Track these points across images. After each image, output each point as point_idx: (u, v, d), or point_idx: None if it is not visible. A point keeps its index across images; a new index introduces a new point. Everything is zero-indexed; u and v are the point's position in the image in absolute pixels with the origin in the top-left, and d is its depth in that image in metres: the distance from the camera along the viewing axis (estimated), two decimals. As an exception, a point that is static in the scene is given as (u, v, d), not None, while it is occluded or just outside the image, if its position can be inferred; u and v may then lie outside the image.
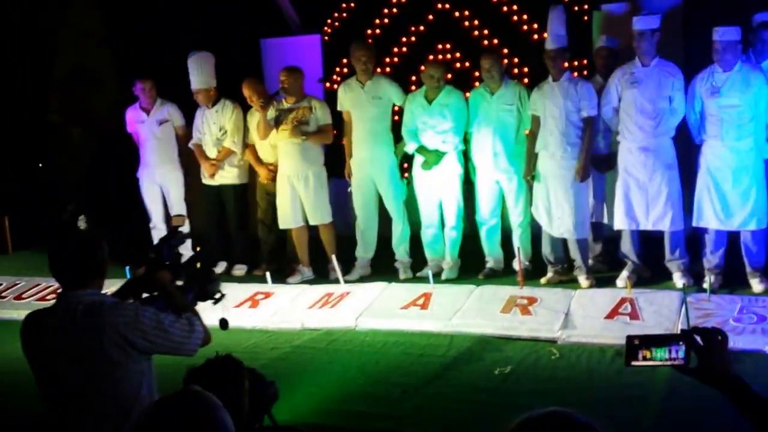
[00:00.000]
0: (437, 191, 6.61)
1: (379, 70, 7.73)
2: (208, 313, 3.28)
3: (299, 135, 6.70)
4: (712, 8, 6.12)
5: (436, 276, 6.41)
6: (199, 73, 7.21)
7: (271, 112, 6.81)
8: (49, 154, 9.66)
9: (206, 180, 7.42)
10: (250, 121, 7.22)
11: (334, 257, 6.57)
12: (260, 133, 6.88)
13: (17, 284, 7.25)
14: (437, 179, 6.55)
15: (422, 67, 6.56)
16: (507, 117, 6.31)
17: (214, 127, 7.30)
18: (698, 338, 2.01)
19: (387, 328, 5.62)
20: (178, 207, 7.52)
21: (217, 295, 3.24)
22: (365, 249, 6.95)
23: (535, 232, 6.42)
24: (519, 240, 6.42)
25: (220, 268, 7.32)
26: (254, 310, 6.25)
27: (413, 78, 7.32)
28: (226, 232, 7.51)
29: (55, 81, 9.54)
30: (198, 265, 3.29)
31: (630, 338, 2.07)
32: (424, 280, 6.25)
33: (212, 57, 7.26)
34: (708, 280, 5.41)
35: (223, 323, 3.35)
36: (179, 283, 3.23)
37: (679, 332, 2.07)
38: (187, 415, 1.83)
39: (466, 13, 7.78)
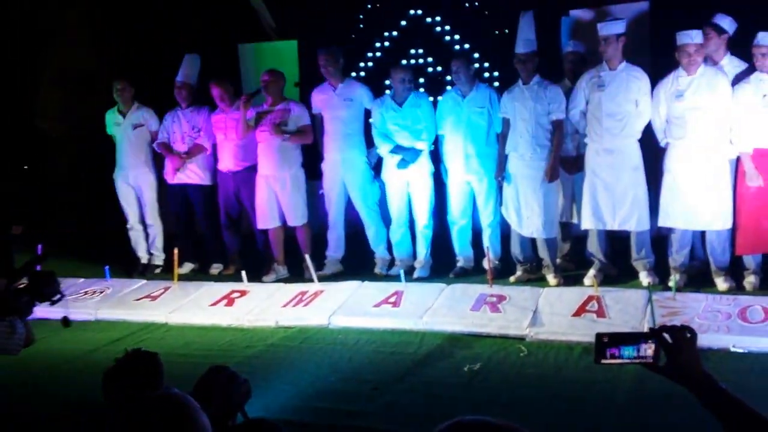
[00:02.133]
0: (407, 192, 6.56)
1: (354, 74, 7.69)
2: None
3: (279, 135, 6.59)
4: (679, 13, 6.05)
5: (408, 275, 6.31)
6: (190, 69, 7.22)
7: (250, 112, 6.74)
8: (34, 156, 9.46)
9: (171, 179, 7.30)
10: (213, 124, 7.14)
11: (308, 256, 6.46)
12: (239, 131, 6.78)
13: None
14: (409, 180, 6.49)
15: (391, 71, 6.51)
16: (478, 119, 6.24)
17: (187, 125, 7.22)
18: (667, 336, 1.93)
19: (359, 326, 5.54)
20: (151, 209, 7.44)
21: (56, 297, 3.20)
22: (335, 248, 6.90)
23: (505, 231, 6.35)
24: (489, 239, 6.35)
25: (215, 269, 7.24)
26: (230, 309, 6.13)
27: (387, 82, 7.21)
28: (196, 233, 7.44)
29: (42, 83, 9.33)
30: (37, 267, 3.28)
31: (599, 336, 1.99)
32: (396, 278, 6.14)
33: (199, 60, 7.24)
34: (673, 279, 5.34)
35: (65, 321, 3.41)
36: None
37: (647, 330, 1.98)
38: (164, 416, 1.76)
39: (438, 18, 7.66)
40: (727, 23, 5.65)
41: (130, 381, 2.64)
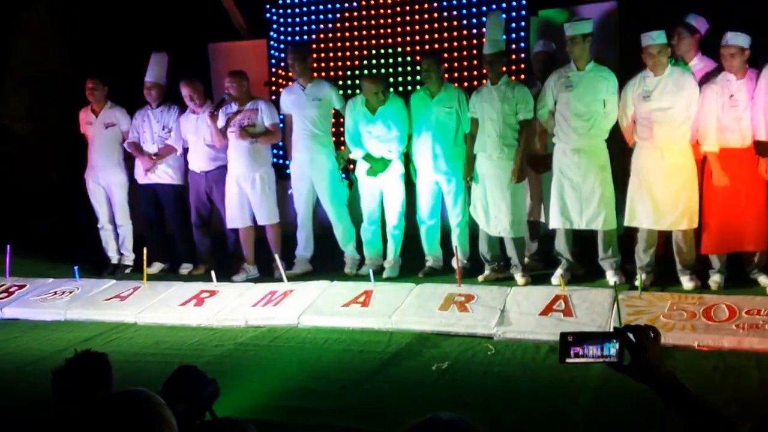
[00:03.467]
0: (380, 192, 6.50)
1: (324, 74, 7.63)
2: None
3: (247, 137, 6.51)
4: (647, 13, 6.06)
5: (378, 274, 6.26)
6: (158, 69, 7.11)
7: (221, 121, 6.69)
8: (2, 155, 9.25)
9: (142, 179, 7.19)
10: (182, 124, 7.06)
11: (277, 256, 6.40)
12: (216, 142, 6.76)
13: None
14: (381, 181, 6.45)
15: (362, 81, 6.47)
16: (446, 119, 6.19)
17: (157, 126, 7.13)
18: (631, 336, 1.92)
19: (328, 326, 5.48)
20: (122, 209, 7.35)
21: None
22: (304, 248, 6.83)
23: (474, 231, 6.30)
24: (457, 239, 6.30)
25: (185, 269, 7.17)
26: (200, 308, 6.05)
27: (356, 82, 7.16)
28: (166, 233, 7.34)
29: (7, 82, 9.13)
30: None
31: (564, 335, 1.97)
32: (366, 278, 6.07)
33: (167, 58, 7.13)
34: (639, 278, 5.33)
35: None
36: None
37: (612, 330, 1.96)
38: (129, 413, 1.75)
39: (408, 18, 7.60)
40: (699, 23, 5.65)
41: (79, 381, 2.60)
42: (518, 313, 5.19)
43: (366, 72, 7.36)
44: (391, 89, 6.85)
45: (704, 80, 5.49)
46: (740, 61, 5.24)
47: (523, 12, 7.11)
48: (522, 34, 7.10)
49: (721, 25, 5.51)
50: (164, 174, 7.16)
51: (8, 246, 6.94)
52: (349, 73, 7.82)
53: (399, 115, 6.33)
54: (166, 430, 1.75)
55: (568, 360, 1.94)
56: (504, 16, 6.74)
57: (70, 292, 6.60)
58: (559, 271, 5.85)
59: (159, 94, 7.12)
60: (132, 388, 1.85)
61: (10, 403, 4.27)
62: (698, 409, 1.82)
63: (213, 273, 6.41)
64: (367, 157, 6.40)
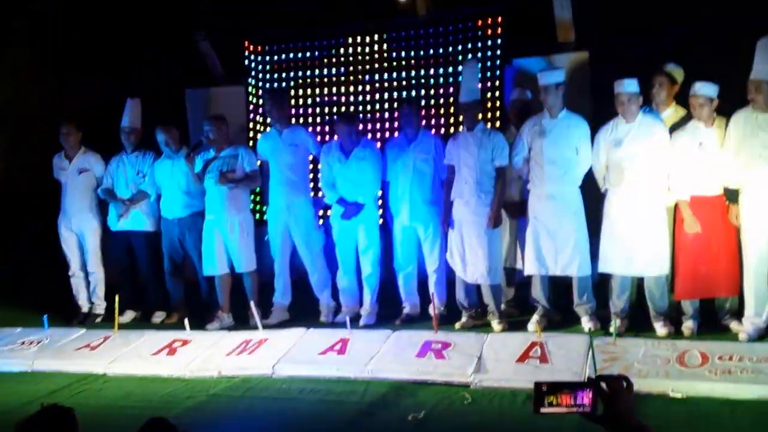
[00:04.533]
0: (355, 239, 6.52)
1: (300, 120, 7.70)
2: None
3: (227, 182, 6.54)
4: (618, 62, 6.21)
5: (354, 321, 6.25)
6: (135, 114, 7.18)
7: (198, 164, 6.72)
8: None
9: (115, 226, 7.20)
10: (157, 170, 7.10)
11: (252, 303, 6.38)
12: (192, 185, 6.80)
13: None
14: (355, 227, 6.47)
15: (336, 122, 6.57)
16: (423, 166, 6.27)
17: (131, 171, 7.15)
18: (604, 385, 1.93)
19: (304, 375, 5.45)
20: (94, 256, 7.30)
21: None
22: (282, 295, 6.81)
23: (450, 278, 6.34)
24: (434, 286, 6.33)
25: (158, 318, 7.13)
26: (172, 358, 6.00)
27: (333, 128, 7.24)
28: (138, 281, 7.30)
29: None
30: None
31: (538, 385, 2.00)
32: (342, 325, 6.06)
33: (140, 103, 7.22)
34: (614, 324, 5.38)
35: None
36: None
37: (585, 379, 1.99)
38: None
39: (385, 65, 7.73)
40: (677, 72, 5.79)
41: None
42: (495, 361, 5.20)
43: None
44: (368, 135, 6.95)
45: (674, 128, 5.62)
46: (709, 110, 5.39)
47: (498, 61, 7.26)
48: (497, 82, 7.24)
49: (691, 74, 5.68)
50: (137, 220, 7.15)
51: None
52: (326, 119, 7.89)
53: (373, 158, 6.42)
54: None
55: (543, 410, 1.97)
56: (479, 65, 6.88)
57: (39, 342, 6.51)
58: (535, 318, 5.90)
59: (137, 139, 7.17)
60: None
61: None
62: None
63: (186, 321, 6.36)
64: (341, 201, 6.44)
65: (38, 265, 8.26)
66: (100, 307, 7.32)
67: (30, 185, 8.62)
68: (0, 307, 7.48)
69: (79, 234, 7.29)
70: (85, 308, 7.35)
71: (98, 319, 7.22)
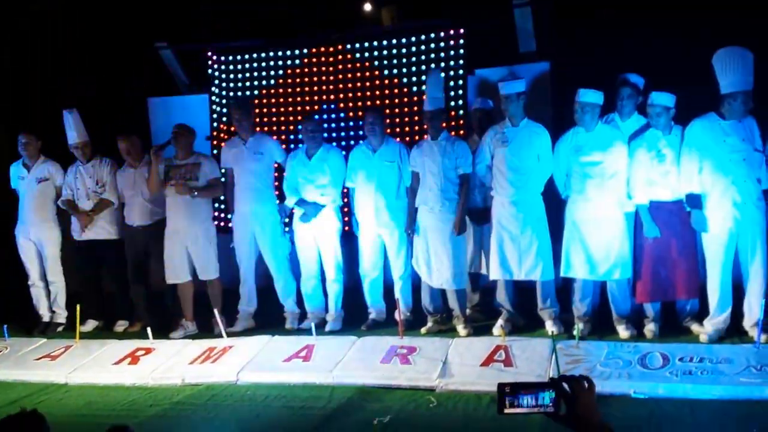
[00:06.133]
0: (316, 245, 6.50)
1: (266, 129, 7.64)
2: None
3: (188, 192, 6.46)
4: (578, 72, 6.27)
5: (320, 328, 6.17)
6: (77, 128, 7.01)
7: (160, 169, 6.63)
8: None
9: (78, 236, 7.04)
10: (119, 179, 6.98)
11: (216, 311, 6.28)
12: (151, 185, 6.64)
13: None
14: (316, 234, 6.44)
15: (301, 124, 6.55)
16: (388, 173, 6.25)
17: (90, 181, 7.03)
18: (566, 386, 1.92)
19: (269, 382, 5.38)
20: (53, 265, 7.15)
21: None
22: (248, 302, 6.73)
23: (416, 283, 6.31)
24: (400, 291, 6.30)
25: (120, 326, 6.96)
26: (134, 367, 5.88)
27: (298, 137, 7.18)
28: (102, 290, 7.15)
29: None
30: None
31: (501, 386, 1.99)
32: (308, 332, 5.99)
33: (78, 113, 7.04)
34: (577, 327, 5.39)
35: None
36: None
37: (548, 380, 1.97)
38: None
39: (350, 75, 7.71)
40: (641, 83, 5.84)
41: None
42: (460, 365, 5.18)
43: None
44: (333, 143, 6.90)
45: (634, 136, 5.67)
46: (666, 118, 5.45)
47: (461, 71, 7.28)
48: (460, 91, 7.26)
49: (650, 84, 5.74)
50: (102, 230, 7.02)
51: None
52: (291, 128, 7.84)
53: (335, 161, 6.42)
54: None
55: (506, 410, 1.95)
56: (443, 74, 6.89)
57: (-1, 352, 6.34)
58: (500, 322, 5.89)
59: (89, 150, 7.03)
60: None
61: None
62: None
63: (149, 330, 6.23)
64: (300, 202, 6.39)
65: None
66: (61, 317, 7.16)
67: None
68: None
69: (38, 243, 7.13)
70: (45, 318, 7.19)
71: (59, 329, 7.07)
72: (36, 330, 7.01)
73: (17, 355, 6.27)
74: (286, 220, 6.77)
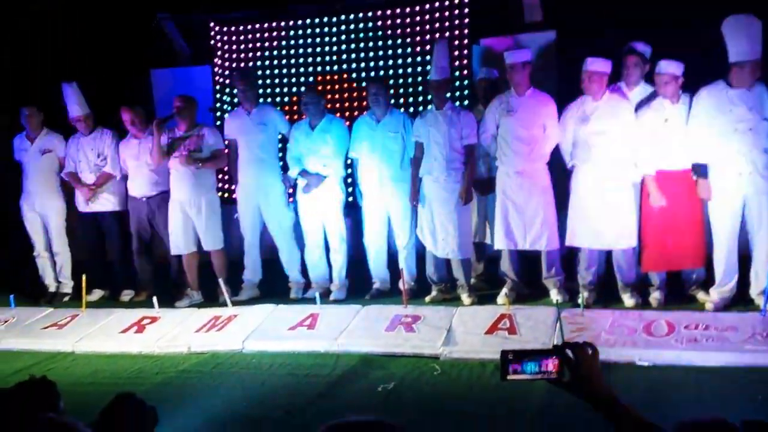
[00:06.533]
0: (320, 216, 6.46)
1: (269, 100, 7.57)
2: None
3: (192, 163, 6.42)
4: (583, 42, 6.17)
5: (325, 298, 6.17)
6: (78, 101, 6.95)
7: (163, 139, 6.57)
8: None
9: (83, 207, 7.02)
10: (123, 149, 6.91)
11: (221, 280, 6.28)
12: (154, 157, 6.59)
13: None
14: (320, 205, 6.41)
15: (302, 96, 6.50)
16: (392, 144, 6.19)
17: (92, 153, 6.99)
18: (569, 352, 1.91)
19: (274, 350, 5.38)
20: (59, 236, 7.14)
21: None
22: (252, 272, 6.71)
23: (420, 253, 6.28)
24: (404, 261, 6.27)
25: (126, 296, 7.01)
26: (140, 335, 5.89)
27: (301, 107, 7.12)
28: (107, 260, 7.14)
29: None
30: None
31: (504, 353, 1.98)
32: (312, 301, 5.98)
33: (77, 85, 6.99)
34: (582, 296, 5.36)
35: None
36: None
37: (551, 347, 1.96)
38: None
39: (353, 45, 7.62)
40: (646, 50, 5.75)
41: (24, 407, 2.46)
42: (464, 333, 5.16)
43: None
44: (337, 114, 6.84)
45: (641, 105, 5.60)
46: (674, 87, 5.37)
47: (466, 40, 7.19)
48: (465, 61, 7.17)
49: (657, 52, 5.65)
50: (105, 201, 7.00)
51: None
52: (294, 98, 7.76)
53: (338, 132, 6.38)
54: None
55: (509, 377, 1.94)
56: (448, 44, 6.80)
57: (5, 321, 6.37)
58: (504, 291, 5.87)
59: (89, 122, 6.99)
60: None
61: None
62: (634, 425, 1.83)
63: (155, 299, 6.23)
64: (303, 173, 6.35)
65: (2, 246, 8.05)
66: (67, 287, 7.17)
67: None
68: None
69: (43, 215, 7.12)
70: (52, 288, 7.20)
71: (65, 299, 7.07)
72: (43, 300, 7.02)
73: (24, 324, 6.28)
74: (290, 190, 6.74)
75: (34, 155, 7.08)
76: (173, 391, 4.77)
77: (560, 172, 5.88)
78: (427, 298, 6.05)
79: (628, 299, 5.56)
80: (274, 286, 6.69)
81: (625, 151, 5.52)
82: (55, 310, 6.58)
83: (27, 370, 5.33)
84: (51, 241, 7.14)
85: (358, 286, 6.49)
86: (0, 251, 7.95)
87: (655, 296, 5.54)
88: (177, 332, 5.81)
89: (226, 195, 7.48)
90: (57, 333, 6.04)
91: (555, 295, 5.76)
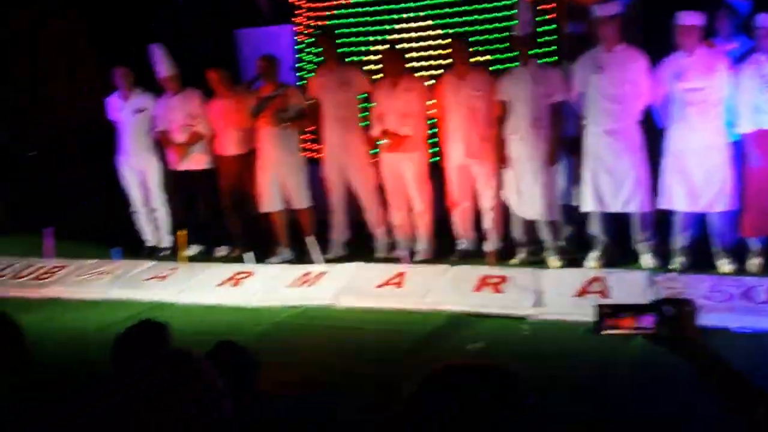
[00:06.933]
0: (403, 176, 6.44)
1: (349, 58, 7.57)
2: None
3: (280, 122, 6.51)
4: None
5: (411, 257, 6.19)
6: (165, 62, 7.08)
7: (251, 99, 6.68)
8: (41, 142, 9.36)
9: (174, 165, 7.22)
10: (210, 110, 7.06)
11: (310, 239, 6.38)
12: (242, 119, 6.74)
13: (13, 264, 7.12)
14: (403, 165, 6.38)
15: (383, 56, 6.46)
16: (476, 102, 6.10)
17: (180, 114, 7.11)
18: (668, 308, 1.85)
19: (363, 306, 5.48)
20: (156, 193, 7.36)
21: None
22: (339, 232, 6.80)
23: (506, 214, 6.21)
24: (489, 222, 6.21)
25: (221, 252, 7.20)
26: (236, 289, 6.08)
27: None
28: (198, 217, 7.32)
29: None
30: None
31: (600, 307, 1.94)
32: (398, 261, 6.06)
33: (162, 46, 7.10)
34: (676, 261, 5.22)
35: None
36: None
37: (649, 303, 1.92)
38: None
39: (435, 2, 7.49)
40: (743, 5, 5.50)
41: (139, 348, 2.60)
42: (554, 295, 5.13)
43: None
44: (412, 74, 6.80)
45: (739, 61, 5.35)
46: (773, 41, 5.11)
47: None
48: (552, 16, 6.96)
49: (758, 5, 5.37)
50: (197, 160, 7.16)
51: (50, 228, 7.01)
52: (374, 57, 7.73)
53: (419, 91, 6.33)
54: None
55: (604, 332, 1.89)
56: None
57: (111, 272, 6.66)
58: (593, 254, 5.77)
59: (177, 83, 7.11)
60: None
61: (57, 378, 4.33)
62: (733, 381, 1.75)
63: (246, 255, 6.38)
64: (385, 133, 6.35)
65: (104, 202, 8.40)
66: (166, 242, 7.43)
67: (92, 126, 8.71)
68: (72, 240, 7.63)
69: (140, 172, 7.32)
70: (150, 243, 7.47)
71: (164, 253, 7.34)
72: (142, 255, 7.30)
73: (129, 275, 6.55)
74: (375, 150, 6.77)
75: (129, 114, 7.26)
76: (270, 342, 4.94)
77: (653, 131, 5.70)
78: (514, 260, 6.02)
79: (724, 265, 5.39)
80: (361, 245, 6.77)
81: (722, 108, 5.31)
82: (157, 264, 6.83)
83: (132, 318, 5.58)
84: (149, 197, 7.36)
85: (443, 246, 6.49)
86: (103, 208, 8.31)
87: (754, 262, 5.36)
88: (271, 287, 5.97)
89: (311, 155, 7.56)
90: (159, 284, 6.28)
91: (647, 260, 5.63)
